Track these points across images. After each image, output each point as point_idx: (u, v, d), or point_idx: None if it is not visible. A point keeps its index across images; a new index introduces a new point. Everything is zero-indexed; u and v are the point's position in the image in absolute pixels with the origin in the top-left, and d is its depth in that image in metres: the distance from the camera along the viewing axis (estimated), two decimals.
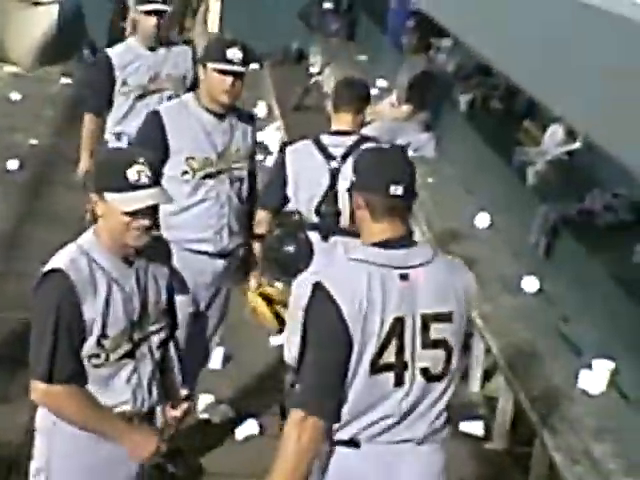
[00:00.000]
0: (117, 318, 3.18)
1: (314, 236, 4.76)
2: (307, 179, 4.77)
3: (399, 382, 3.07)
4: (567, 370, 5.27)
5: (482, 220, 7.20)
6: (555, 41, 2.17)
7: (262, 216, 4.87)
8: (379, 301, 3.00)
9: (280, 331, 5.14)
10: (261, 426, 5.28)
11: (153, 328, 3.32)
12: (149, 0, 6.05)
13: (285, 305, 4.94)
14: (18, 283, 6.57)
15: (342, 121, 4.79)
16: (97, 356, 3.16)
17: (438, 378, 3.13)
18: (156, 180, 3.12)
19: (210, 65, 4.49)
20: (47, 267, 3.13)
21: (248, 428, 5.27)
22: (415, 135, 8.53)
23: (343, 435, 3.10)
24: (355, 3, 13.42)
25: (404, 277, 3.05)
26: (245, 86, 4.68)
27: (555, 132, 7.15)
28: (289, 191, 4.81)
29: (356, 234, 3.31)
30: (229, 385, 5.67)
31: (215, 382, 5.55)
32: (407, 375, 3.08)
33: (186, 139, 4.57)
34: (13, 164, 8.77)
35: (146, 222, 3.11)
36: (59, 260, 3.14)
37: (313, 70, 12.35)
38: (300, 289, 4.57)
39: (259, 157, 9.61)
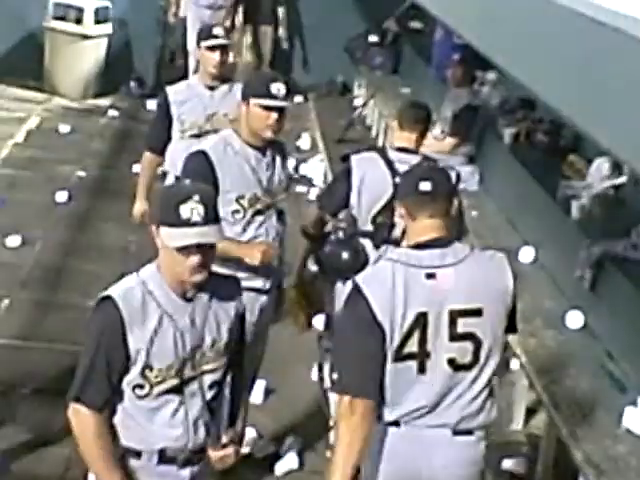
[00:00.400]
0: (164, 351, 3.19)
1: (367, 244, 4.95)
2: (370, 188, 4.98)
3: (422, 369, 3.42)
4: (612, 408, 5.19)
5: (526, 254, 7.14)
6: (600, 72, 2.15)
7: (318, 217, 5.12)
8: (401, 297, 3.35)
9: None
10: (301, 461, 5.26)
11: (207, 367, 3.31)
12: (212, 35, 5.91)
13: (317, 311, 4.97)
14: (61, 314, 6.65)
15: (407, 140, 5.08)
16: (141, 387, 3.19)
17: (466, 368, 3.45)
18: (210, 218, 3.13)
19: (254, 101, 4.50)
20: (103, 294, 3.21)
21: (288, 463, 5.25)
22: (459, 168, 8.51)
23: (389, 417, 3.47)
24: (400, 36, 13.44)
25: (431, 276, 3.39)
26: (289, 118, 4.74)
27: (600, 166, 7.08)
28: (352, 197, 5.01)
29: None
30: (270, 419, 5.66)
31: (256, 416, 5.54)
32: (429, 364, 3.41)
33: (235, 177, 4.56)
34: (62, 196, 8.88)
35: (196, 259, 3.11)
36: (114, 288, 3.21)
37: (357, 103, 12.38)
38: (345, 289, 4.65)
39: (303, 189, 9.73)
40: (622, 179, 6.95)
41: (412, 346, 3.38)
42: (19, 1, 12.42)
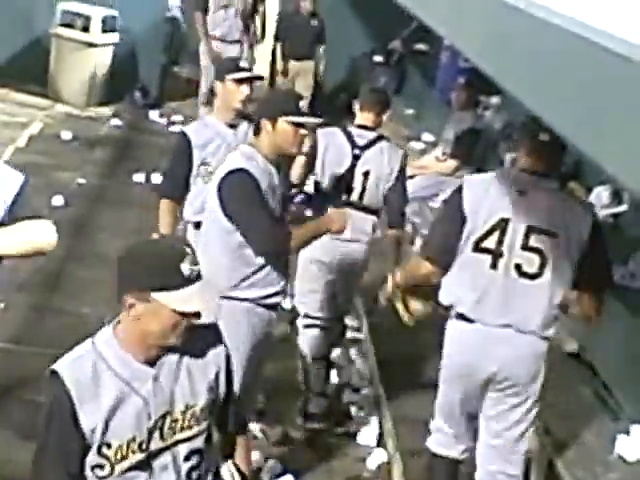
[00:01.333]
0: (124, 426, 2.82)
1: None
2: (332, 156, 5.71)
3: (494, 265, 4.25)
4: (604, 435, 5.19)
5: None
6: (607, 98, 2.15)
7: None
8: (489, 203, 4.24)
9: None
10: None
11: (181, 436, 2.91)
12: (239, 68, 5.49)
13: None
14: (56, 320, 6.64)
15: (365, 119, 5.83)
16: (101, 467, 2.83)
17: (530, 277, 4.22)
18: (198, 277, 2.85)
19: (286, 119, 4.42)
20: (51, 367, 2.87)
21: None
22: None
23: (458, 309, 4.32)
24: (405, 57, 13.49)
25: (522, 192, 4.24)
26: None
27: (600, 194, 7.10)
28: (317, 164, 5.72)
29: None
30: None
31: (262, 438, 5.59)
32: (502, 262, 4.24)
33: (271, 202, 4.47)
34: (58, 200, 8.86)
35: (197, 318, 2.85)
36: (62, 360, 2.87)
37: None
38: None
39: None
40: (622, 207, 6.96)
41: (490, 243, 4.24)
42: (27, 7, 12.44)
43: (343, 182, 5.73)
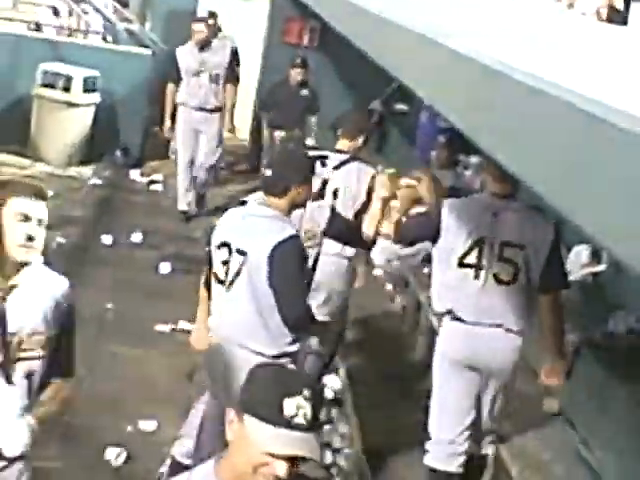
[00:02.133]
0: None
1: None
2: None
3: (476, 276, 5.12)
4: None
5: None
6: (585, 160, 2.18)
7: None
8: (468, 225, 5.11)
9: None
10: None
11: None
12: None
13: None
14: None
15: (341, 144, 6.47)
16: None
17: (506, 283, 5.11)
18: (314, 425, 2.42)
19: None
20: None
21: None
22: None
23: (451, 314, 5.19)
24: (385, 116, 13.60)
25: (495, 214, 5.08)
26: None
27: (580, 253, 7.15)
28: None
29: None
30: None
31: None
32: (482, 273, 5.12)
33: None
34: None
35: (283, 471, 2.37)
36: None
37: None
38: None
39: None
40: (601, 267, 7.00)
41: (472, 259, 5.10)
42: (8, 67, 12.51)
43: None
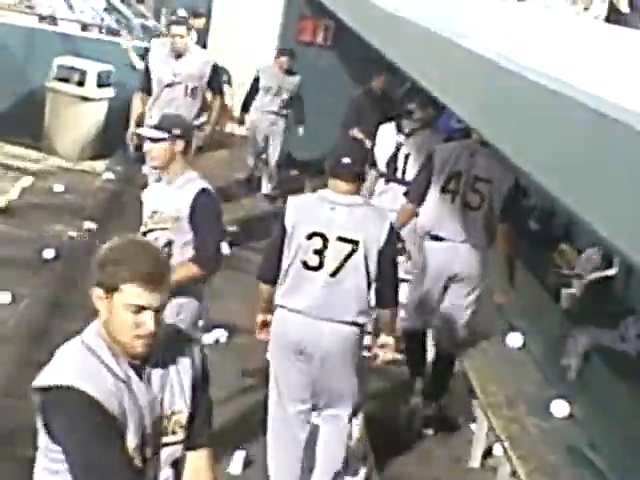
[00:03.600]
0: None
1: None
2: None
3: (452, 200, 6.55)
4: None
5: (514, 340, 7.13)
6: (599, 161, 2.16)
7: None
8: (452, 161, 6.67)
9: None
10: None
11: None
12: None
13: None
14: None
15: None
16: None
17: (474, 209, 6.53)
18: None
19: None
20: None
21: None
22: None
23: (432, 232, 6.67)
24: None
25: (472, 154, 6.62)
26: None
27: (591, 257, 7.11)
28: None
29: None
30: None
31: None
32: (457, 199, 6.54)
33: None
34: (49, 253, 8.86)
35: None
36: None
37: None
38: None
39: None
40: (612, 271, 6.97)
41: (451, 187, 6.59)
42: (24, 60, 12.53)
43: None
